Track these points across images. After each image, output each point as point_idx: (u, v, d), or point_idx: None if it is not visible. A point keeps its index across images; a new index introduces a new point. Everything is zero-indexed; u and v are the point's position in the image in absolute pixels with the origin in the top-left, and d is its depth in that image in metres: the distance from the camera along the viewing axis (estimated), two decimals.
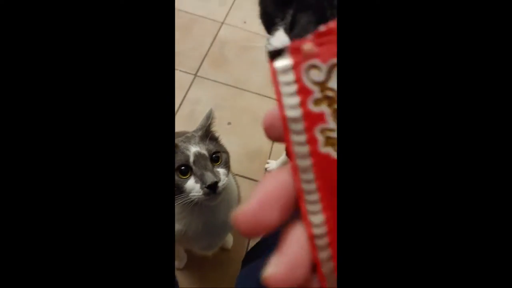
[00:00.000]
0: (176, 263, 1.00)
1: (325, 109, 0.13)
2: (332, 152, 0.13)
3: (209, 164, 0.60)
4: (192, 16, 1.65)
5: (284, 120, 0.13)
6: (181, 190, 0.60)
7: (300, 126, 0.13)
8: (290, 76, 0.13)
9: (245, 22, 1.70)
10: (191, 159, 0.60)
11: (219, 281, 1.01)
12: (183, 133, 0.78)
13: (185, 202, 0.60)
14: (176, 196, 0.62)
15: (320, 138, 0.13)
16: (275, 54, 0.13)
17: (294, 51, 0.13)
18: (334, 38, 0.13)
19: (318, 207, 0.13)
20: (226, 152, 0.66)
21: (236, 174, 1.19)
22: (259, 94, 1.44)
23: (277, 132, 0.14)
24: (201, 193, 0.58)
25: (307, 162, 0.13)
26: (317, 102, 0.13)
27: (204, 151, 0.61)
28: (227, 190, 0.68)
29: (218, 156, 0.63)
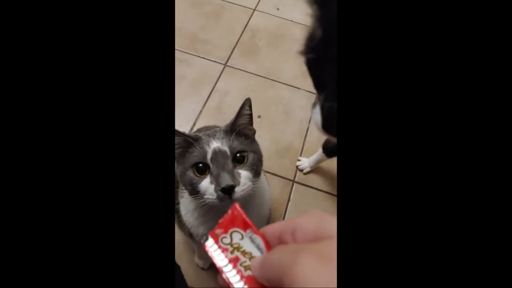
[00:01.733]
0: (201, 263, 0.96)
1: (237, 253, 0.26)
2: (250, 272, 0.25)
3: (229, 163, 0.51)
4: (223, 3, 1.58)
5: (220, 268, 0.26)
6: (196, 190, 0.52)
7: (230, 267, 0.25)
8: (215, 247, 0.26)
9: (278, 9, 1.60)
10: (209, 156, 0.52)
11: None
12: (212, 127, 0.71)
13: (201, 203, 0.52)
14: (192, 196, 0.54)
15: (242, 268, 0.25)
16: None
17: (213, 234, 0.27)
18: (228, 217, 0.27)
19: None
20: (257, 153, 0.56)
21: (266, 172, 1.12)
22: (290, 85, 1.35)
23: None
24: (214, 196, 0.50)
25: (241, 283, 0.25)
26: (232, 252, 0.26)
27: (226, 148, 0.52)
28: (258, 192, 0.59)
29: (243, 156, 0.53)
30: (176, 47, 1.43)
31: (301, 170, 1.15)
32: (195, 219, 0.61)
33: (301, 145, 1.22)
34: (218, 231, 0.26)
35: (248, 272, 0.24)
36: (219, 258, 0.25)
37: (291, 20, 1.58)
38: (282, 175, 1.15)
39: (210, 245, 0.26)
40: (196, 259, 0.96)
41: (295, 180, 1.15)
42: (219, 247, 0.26)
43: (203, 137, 0.54)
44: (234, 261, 0.25)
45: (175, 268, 0.64)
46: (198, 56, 1.40)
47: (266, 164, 1.07)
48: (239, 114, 0.56)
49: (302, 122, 1.27)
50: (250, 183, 0.51)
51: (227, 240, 0.26)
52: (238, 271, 0.25)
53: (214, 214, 0.58)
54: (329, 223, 0.23)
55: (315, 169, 1.16)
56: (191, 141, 0.54)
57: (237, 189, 0.49)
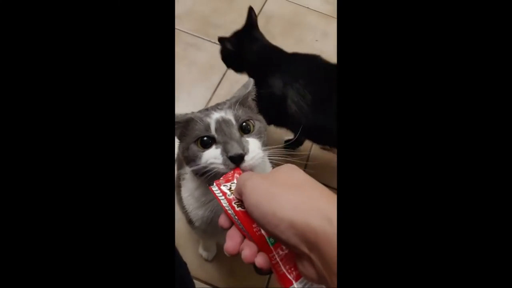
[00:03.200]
0: (205, 254, 0.94)
1: (232, 196, 0.37)
2: (242, 209, 0.35)
3: (235, 132, 0.47)
4: None
5: (225, 195, 0.37)
6: (196, 162, 0.48)
7: (227, 203, 0.36)
8: (218, 190, 0.38)
9: None
10: (213, 126, 0.48)
11: (247, 277, 0.94)
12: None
13: (204, 179, 0.49)
14: (190, 168, 0.50)
15: (235, 205, 0.36)
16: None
17: (217, 183, 0.39)
18: (230, 174, 0.42)
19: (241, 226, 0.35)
20: (263, 122, 0.53)
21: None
22: None
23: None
24: (220, 161, 0.45)
25: (235, 216, 0.35)
26: (229, 195, 0.37)
27: (230, 117, 0.49)
28: (261, 170, 0.53)
29: (249, 125, 0.50)
30: (186, 30, 1.38)
31: None
32: (196, 200, 0.58)
33: (311, 143, 1.18)
34: (221, 181, 0.39)
35: (240, 208, 0.36)
36: (221, 198, 0.37)
37: (307, 7, 1.52)
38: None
39: (215, 189, 0.38)
40: (201, 250, 0.95)
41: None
42: (221, 191, 0.38)
43: (198, 114, 0.51)
44: (230, 201, 0.36)
45: (175, 253, 0.62)
46: (210, 41, 1.35)
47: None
48: (247, 92, 0.55)
49: None
50: (260, 151, 0.47)
51: (226, 187, 0.38)
52: (233, 207, 0.36)
53: (214, 197, 0.55)
54: (282, 168, 0.34)
55: (316, 164, 1.12)
56: (186, 120, 0.51)
57: (246, 158, 0.45)
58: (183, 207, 0.63)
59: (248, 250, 0.33)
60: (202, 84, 1.25)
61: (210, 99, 1.22)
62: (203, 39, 1.36)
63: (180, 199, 0.64)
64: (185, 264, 0.65)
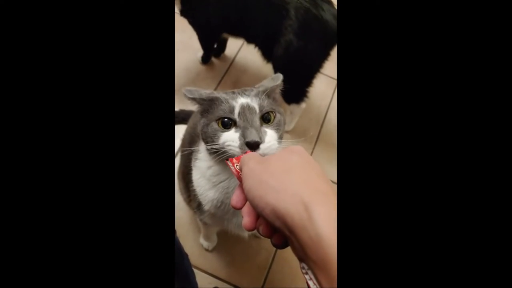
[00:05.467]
0: (205, 244, 0.95)
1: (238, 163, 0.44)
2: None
3: (256, 120, 0.50)
4: None
5: (238, 173, 0.41)
6: (214, 141, 0.51)
7: (235, 168, 0.43)
8: (231, 164, 0.44)
9: None
10: (237, 110, 0.50)
11: (246, 268, 0.94)
12: None
13: (218, 158, 0.51)
14: (206, 145, 0.53)
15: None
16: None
17: (230, 159, 0.45)
18: (239, 158, 0.43)
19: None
20: (283, 115, 0.55)
21: None
22: None
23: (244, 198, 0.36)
24: (237, 145, 0.48)
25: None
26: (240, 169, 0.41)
27: (255, 105, 0.51)
28: None
29: (270, 115, 0.52)
30: None
31: None
32: (208, 181, 0.59)
33: (317, 133, 1.17)
34: (234, 160, 0.44)
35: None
36: (233, 168, 0.43)
37: None
38: None
39: (229, 163, 0.44)
40: (201, 240, 0.95)
41: None
42: (233, 164, 0.43)
43: (226, 96, 0.53)
44: (238, 171, 0.41)
45: (177, 245, 0.62)
46: None
47: None
48: (274, 84, 0.56)
49: (320, 108, 1.21)
50: (275, 142, 0.50)
51: (238, 165, 0.43)
52: (240, 177, 0.39)
53: (226, 177, 0.57)
54: (281, 152, 0.36)
55: (316, 159, 1.12)
56: (211, 99, 0.53)
57: (262, 146, 0.48)
58: (192, 191, 0.64)
59: (265, 227, 0.34)
60: (208, 73, 1.24)
61: (216, 88, 1.21)
62: None
63: (187, 183, 0.64)
64: (186, 255, 0.65)
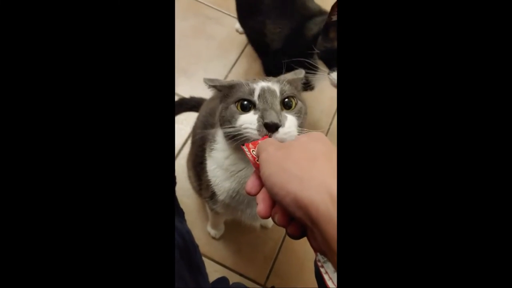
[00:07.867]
0: (213, 232, 0.95)
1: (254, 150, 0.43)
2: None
3: (277, 103, 0.48)
4: None
5: (254, 159, 0.41)
6: (231, 123, 0.49)
7: (251, 154, 0.42)
8: (247, 149, 0.43)
9: None
10: (257, 92, 0.48)
11: (253, 258, 0.95)
12: None
13: (236, 145, 0.49)
14: (223, 128, 0.51)
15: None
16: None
17: (246, 144, 0.44)
18: (257, 143, 0.43)
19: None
20: (305, 104, 0.53)
21: None
22: None
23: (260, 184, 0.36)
24: (255, 127, 0.45)
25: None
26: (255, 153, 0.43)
27: (276, 88, 0.49)
28: None
29: (291, 101, 0.50)
30: (207, 3, 1.34)
31: None
32: (225, 171, 0.58)
33: (328, 125, 1.15)
34: (250, 145, 0.43)
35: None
36: (249, 154, 0.42)
37: None
38: None
39: (245, 148, 0.43)
40: (209, 228, 0.96)
41: None
42: (249, 149, 0.42)
43: (244, 81, 0.52)
44: (254, 157, 0.41)
45: (189, 235, 0.63)
46: (230, 15, 1.31)
47: None
48: (296, 77, 0.56)
49: (332, 100, 1.19)
50: (295, 129, 0.47)
51: (254, 151, 0.42)
52: (256, 163, 0.39)
53: (244, 166, 0.55)
54: (302, 138, 0.35)
55: None
56: (231, 86, 0.52)
57: (280, 130, 0.45)
58: (206, 181, 0.63)
59: (282, 216, 0.32)
60: (220, 61, 1.22)
61: (226, 76, 1.19)
62: (224, 13, 1.32)
63: (199, 172, 0.64)
64: (197, 246, 0.65)
